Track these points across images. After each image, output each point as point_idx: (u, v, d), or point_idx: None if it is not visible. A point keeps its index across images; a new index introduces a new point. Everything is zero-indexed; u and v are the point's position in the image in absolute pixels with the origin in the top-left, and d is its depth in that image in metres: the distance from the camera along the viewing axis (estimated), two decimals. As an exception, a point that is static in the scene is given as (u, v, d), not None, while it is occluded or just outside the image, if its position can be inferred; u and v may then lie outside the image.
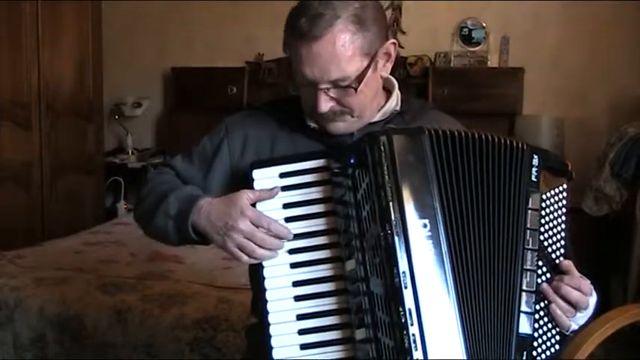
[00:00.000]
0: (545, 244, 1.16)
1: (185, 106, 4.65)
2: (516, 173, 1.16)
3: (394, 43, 1.26)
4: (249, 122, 1.37)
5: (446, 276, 1.07)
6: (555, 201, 1.18)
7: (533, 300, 1.14)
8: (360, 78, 1.20)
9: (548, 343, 1.15)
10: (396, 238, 1.05)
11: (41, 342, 2.33)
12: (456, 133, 1.14)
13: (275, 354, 1.16)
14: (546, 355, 1.14)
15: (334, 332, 1.17)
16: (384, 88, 1.35)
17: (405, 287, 1.04)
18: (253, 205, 1.18)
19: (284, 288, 1.18)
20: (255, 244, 1.16)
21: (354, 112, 1.25)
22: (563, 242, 1.18)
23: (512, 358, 1.12)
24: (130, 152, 4.81)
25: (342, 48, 1.16)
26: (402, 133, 1.12)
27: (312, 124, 1.30)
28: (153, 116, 4.97)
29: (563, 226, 1.18)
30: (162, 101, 4.95)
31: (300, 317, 1.17)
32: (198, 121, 4.29)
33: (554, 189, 1.19)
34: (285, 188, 1.20)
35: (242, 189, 1.20)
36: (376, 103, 1.31)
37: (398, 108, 1.34)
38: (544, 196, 1.18)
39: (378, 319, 1.08)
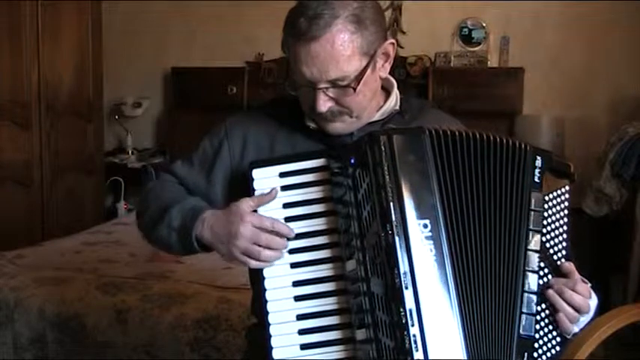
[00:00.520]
0: (547, 245, 1.16)
1: (185, 106, 4.65)
2: (519, 174, 1.16)
3: (393, 43, 1.26)
4: (248, 122, 1.36)
5: (447, 276, 1.07)
6: (557, 202, 1.18)
7: (535, 301, 1.14)
8: (358, 78, 1.20)
9: (549, 345, 1.15)
10: (397, 239, 1.05)
11: (41, 342, 2.33)
12: (457, 132, 1.14)
13: (275, 354, 1.16)
14: (547, 357, 1.14)
15: (334, 332, 1.16)
16: (383, 88, 1.34)
17: (406, 287, 1.04)
18: (254, 210, 1.18)
19: (284, 288, 1.18)
20: (260, 246, 1.16)
21: (352, 112, 1.24)
22: (564, 244, 1.18)
23: (514, 359, 1.11)
24: (130, 152, 4.81)
25: (340, 48, 1.16)
26: (403, 133, 1.12)
27: (311, 125, 1.30)
28: (153, 116, 4.96)
29: (565, 227, 1.18)
30: (162, 101, 4.95)
31: (301, 317, 1.17)
32: (198, 121, 4.30)
33: (556, 190, 1.19)
34: (284, 188, 1.20)
35: (244, 189, 1.20)
36: (375, 103, 1.31)
37: (397, 108, 1.33)
38: (546, 198, 1.17)
39: (378, 320, 1.08)
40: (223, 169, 1.35)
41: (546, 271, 1.16)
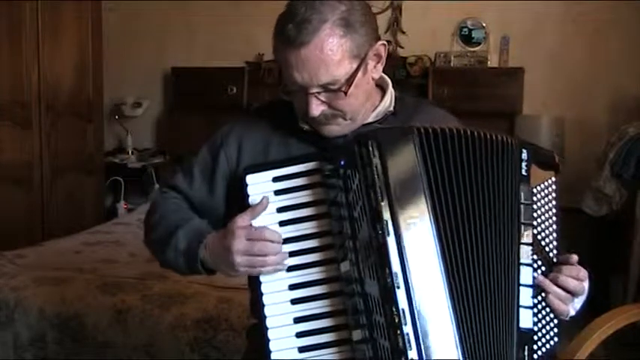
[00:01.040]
0: (539, 237, 1.17)
1: (185, 106, 4.65)
2: (507, 168, 1.16)
3: (384, 44, 1.25)
4: (243, 128, 1.37)
5: (439, 274, 1.07)
6: (546, 194, 1.19)
7: (532, 294, 1.14)
8: (349, 81, 1.19)
9: (548, 336, 1.16)
10: (388, 238, 1.06)
11: (41, 342, 2.33)
12: (447, 130, 1.13)
13: (274, 357, 1.17)
14: (547, 348, 1.15)
15: (332, 334, 1.17)
16: (378, 86, 1.34)
17: (398, 287, 1.04)
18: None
19: (281, 292, 1.18)
20: (257, 256, 1.16)
21: (346, 114, 1.24)
22: (555, 235, 1.18)
23: (515, 353, 1.12)
24: (130, 152, 4.81)
25: (330, 52, 1.16)
26: (391, 133, 1.13)
27: (305, 127, 1.30)
28: (153, 116, 4.97)
29: (554, 218, 1.19)
30: (162, 101, 4.95)
31: (298, 320, 1.17)
32: (198, 121, 4.30)
33: (543, 182, 1.20)
34: (278, 192, 1.20)
35: (241, 194, 1.21)
36: (370, 104, 1.30)
37: (392, 108, 1.33)
38: (534, 190, 1.18)
39: (373, 320, 1.09)
40: (223, 178, 1.35)
41: (540, 263, 1.16)
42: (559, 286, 1.15)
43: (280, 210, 1.20)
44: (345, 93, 1.20)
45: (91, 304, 2.32)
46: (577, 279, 1.15)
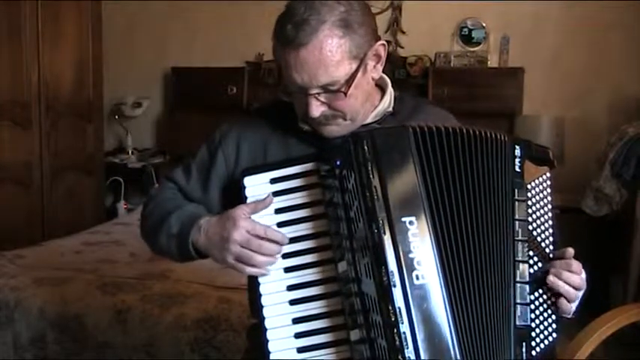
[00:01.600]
0: (534, 233, 1.17)
1: (185, 106, 4.65)
2: (500, 165, 1.16)
3: (384, 44, 1.25)
4: (242, 128, 1.37)
5: (436, 273, 1.07)
6: (540, 190, 1.19)
7: (528, 291, 1.15)
8: (349, 82, 1.20)
9: (546, 332, 1.16)
10: (384, 237, 1.06)
11: (41, 342, 2.33)
12: (442, 128, 1.14)
13: (273, 357, 1.17)
14: (545, 344, 1.15)
15: (330, 334, 1.17)
16: (378, 86, 1.34)
17: (394, 286, 1.04)
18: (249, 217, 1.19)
19: (279, 292, 1.18)
20: (251, 251, 1.16)
21: (346, 115, 1.24)
22: (551, 230, 1.19)
23: (512, 350, 1.12)
24: (130, 152, 4.81)
25: (329, 53, 1.16)
26: (386, 132, 1.13)
27: (305, 127, 1.30)
28: (153, 116, 4.97)
29: (550, 214, 1.19)
30: (162, 101, 4.95)
31: (296, 321, 1.18)
32: (198, 121, 4.30)
33: (538, 178, 1.20)
34: (276, 193, 1.21)
35: (238, 196, 1.21)
36: (369, 104, 1.30)
37: (391, 109, 1.33)
38: (529, 186, 1.18)
39: (370, 319, 1.09)
40: (219, 178, 1.35)
41: (536, 259, 1.16)
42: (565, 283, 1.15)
43: (278, 211, 1.20)
44: (345, 94, 1.20)
45: (91, 304, 2.32)
46: (575, 272, 1.15)
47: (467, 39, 4.34)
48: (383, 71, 1.31)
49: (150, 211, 1.35)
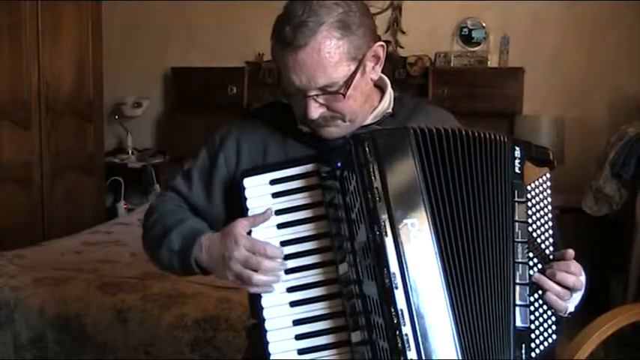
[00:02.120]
0: (534, 235, 1.17)
1: (185, 106, 4.65)
2: (500, 166, 1.16)
3: (382, 45, 1.25)
4: (241, 129, 1.36)
5: (437, 274, 1.07)
6: (540, 191, 1.19)
7: (527, 292, 1.14)
8: (348, 83, 1.19)
9: (546, 334, 1.15)
10: (385, 239, 1.06)
11: (41, 342, 2.33)
12: (442, 130, 1.14)
13: (273, 359, 1.17)
14: (544, 346, 1.15)
15: (330, 336, 1.17)
16: (377, 86, 1.34)
17: (396, 288, 1.04)
18: (249, 232, 1.19)
19: (279, 294, 1.18)
20: (251, 270, 1.16)
21: (345, 116, 1.24)
22: (551, 231, 1.18)
23: (512, 352, 1.12)
24: (130, 152, 4.81)
25: (327, 55, 1.16)
26: (387, 134, 1.13)
27: (304, 128, 1.30)
28: (153, 116, 4.97)
29: (550, 215, 1.19)
30: (162, 101, 4.95)
31: (297, 322, 1.17)
32: (198, 121, 4.30)
33: (538, 179, 1.19)
34: (276, 195, 1.20)
35: (240, 197, 1.21)
36: (369, 105, 1.30)
37: (390, 110, 1.33)
38: (529, 187, 1.18)
39: (372, 321, 1.08)
40: (221, 181, 1.35)
41: (535, 260, 1.16)
42: (557, 283, 1.14)
43: (278, 213, 1.20)
44: (344, 95, 1.19)
45: (91, 304, 2.32)
46: (573, 274, 1.15)
47: (467, 39, 4.34)
48: (383, 72, 1.31)
49: (151, 224, 1.35)
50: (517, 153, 1.18)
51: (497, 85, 4.12)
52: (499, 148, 1.17)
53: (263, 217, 1.19)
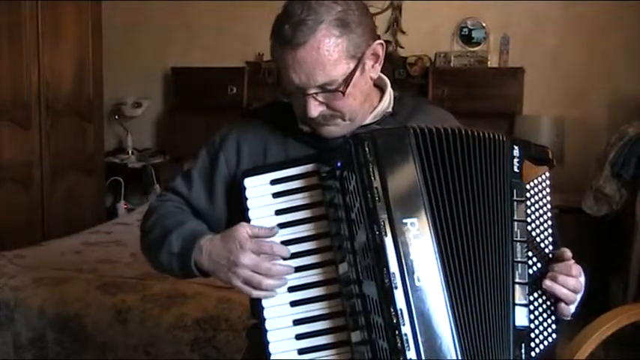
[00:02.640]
0: (534, 234, 1.17)
1: (185, 106, 4.65)
2: (499, 166, 1.16)
3: (382, 44, 1.25)
4: (241, 130, 1.36)
5: (437, 274, 1.07)
6: (539, 190, 1.19)
7: (527, 291, 1.14)
8: (347, 81, 1.19)
9: (545, 333, 1.15)
10: (385, 239, 1.05)
11: (41, 342, 2.33)
12: (442, 129, 1.14)
13: (273, 359, 1.17)
14: (544, 345, 1.15)
15: (331, 336, 1.17)
16: (377, 86, 1.34)
17: (396, 288, 1.04)
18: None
19: (280, 294, 1.18)
20: (260, 274, 1.16)
21: (345, 115, 1.24)
22: (550, 230, 1.18)
23: (511, 351, 1.12)
24: (130, 152, 4.82)
25: (326, 53, 1.16)
26: (387, 133, 1.13)
27: (305, 128, 1.30)
28: (153, 116, 4.97)
29: (549, 214, 1.19)
30: (162, 101, 4.95)
31: (297, 322, 1.17)
32: (198, 121, 4.30)
33: (536, 178, 1.19)
34: (276, 195, 1.20)
35: (240, 197, 1.21)
36: (368, 104, 1.30)
37: (390, 109, 1.33)
38: (528, 186, 1.18)
39: (371, 321, 1.08)
40: (222, 181, 1.34)
41: (535, 260, 1.16)
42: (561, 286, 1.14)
43: (278, 212, 1.20)
44: (343, 93, 1.19)
45: (91, 304, 2.32)
46: (573, 276, 1.15)
47: (467, 39, 4.35)
48: (383, 72, 1.31)
49: (150, 226, 1.34)
50: (516, 152, 1.18)
51: (497, 85, 4.12)
52: (498, 148, 1.17)
53: (267, 231, 1.18)
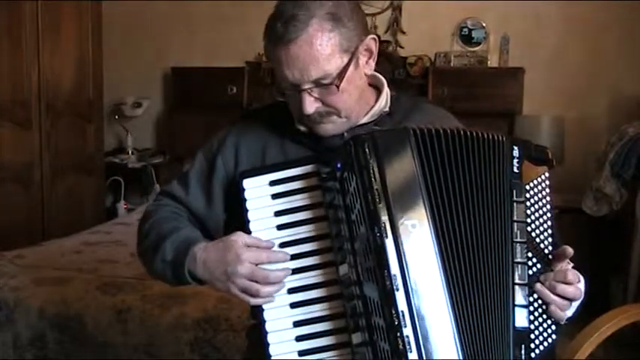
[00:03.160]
0: (533, 234, 1.17)
1: (185, 106, 4.65)
2: (499, 166, 1.16)
3: (375, 39, 1.25)
4: (239, 132, 1.36)
5: (438, 276, 1.07)
6: (539, 190, 1.19)
7: (527, 293, 1.14)
8: (341, 75, 1.19)
9: (545, 334, 1.15)
10: (386, 240, 1.05)
11: (41, 342, 2.33)
12: (441, 130, 1.14)
13: None
14: (544, 346, 1.15)
15: (331, 337, 1.16)
16: (373, 86, 1.34)
17: (397, 289, 1.04)
18: (249, 233, 1.18)
19: (280, 295, 1.17)
20: (258, 283, 1.15)
21: (340, 111, 1.24)
22: (550, 231, 1.18)
23: (511, 352, 1.12)
24: (130, 152, 4.81)
25: (319, 47, 1.16)
26: (387, 134, 1.13)
27: (302, 128, 1.30)
28: (153, 116, 4.97)
29: (549, 214, 1.18)
30: (162, 101, 4.95)
31: (297, 324, 1.17)
32: (198, 121, 4.30)
33: (536, 178, 1.19)
34: (275, 196, 1.20)
35: (240, 200, 1.20)
36: (364, 103, 1.30)
37: (387, 109, 1.32)
38: (527, 187, 1.18)
39: (373, 323, 1.08)
40: (220, 184, 1.34)
41: (535, 260, 1.16)
42: (558, 295, 1.14)
43: (278, 214, 1.19)
44: (338, 87, 1.19)
45: (91, 304, 2.32)
46: (570, 283, 1.15)
47: (467, 39, 4.35)
48: (383, 72, 1.31)
49: (145, 231, 1.33)
50: (515, 152, 1.18)
51: (497, 85, 4.12)
52: (498, 148, 1.17)
53: (265, 244, 1.18)
